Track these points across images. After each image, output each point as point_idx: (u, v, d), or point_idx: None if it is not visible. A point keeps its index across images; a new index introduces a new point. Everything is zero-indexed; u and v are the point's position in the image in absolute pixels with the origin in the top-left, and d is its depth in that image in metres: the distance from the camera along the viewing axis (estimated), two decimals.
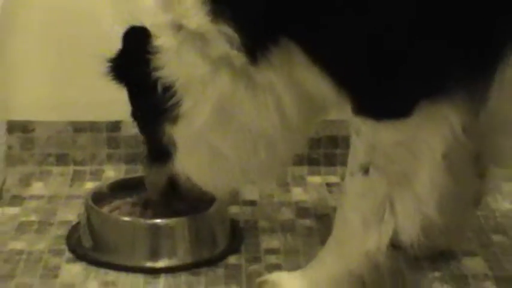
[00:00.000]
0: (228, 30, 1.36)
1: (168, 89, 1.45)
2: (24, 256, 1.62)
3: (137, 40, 1.47)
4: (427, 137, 1.36)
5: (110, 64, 1.52)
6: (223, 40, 1.37)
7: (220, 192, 1.57)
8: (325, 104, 1.46)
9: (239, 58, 1.39)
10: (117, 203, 1.69)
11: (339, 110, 1.43)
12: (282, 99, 1.42)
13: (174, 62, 1.44)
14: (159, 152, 1.54)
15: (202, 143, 1.47)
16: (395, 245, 1.42)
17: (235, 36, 1.37)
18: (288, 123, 1.44)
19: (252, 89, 1.42)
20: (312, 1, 1.33)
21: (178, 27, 1.42)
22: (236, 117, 1.43)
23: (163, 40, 1.44)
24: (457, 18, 1.29)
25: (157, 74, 1.46)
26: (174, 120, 1.47)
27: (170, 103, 1.45)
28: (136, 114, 1.58)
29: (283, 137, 1.46)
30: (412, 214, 1.38)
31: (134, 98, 1.55)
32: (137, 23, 1.48)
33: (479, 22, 1.30)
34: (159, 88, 1.46)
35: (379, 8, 1.30)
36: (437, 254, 1.58)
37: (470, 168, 1.51)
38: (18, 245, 1.65)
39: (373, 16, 1.31)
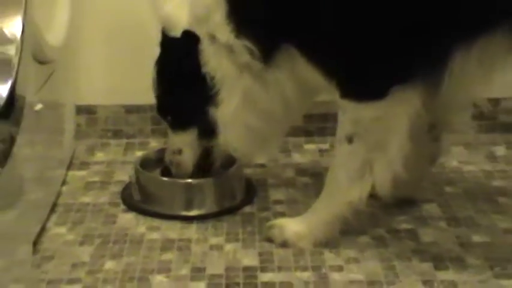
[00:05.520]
0: (249, 44, 1.41)
1: (212, 80, 1.46)
2: (90, 207, 1.67)
3: (191, 41, 1.47)
4: (397, 114, 1.40)
5: (158, 68, 1.53)
6: (245, 52, 1.42)
7: (250, 158, 1.60)
8: (318, 89, 1.50)
9: (257, 65, 1.44)
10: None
11: (329, 94, 1.47)
12: (286, 89, 1.47)
13: (212, 62, 1.47)
14: (204, 132, 1.54)
15: (238, 120, 1.49)
16: (372, 195, 1.46)
17: (254, 49, 1.41)
18: (290, 105, 1.48)
19: (265, 84, 1.47)
20: (305, 23, 1.38)
21: (212, 37, 1.46)
22: (257, 103, 1.48)
23: (204, 45, 1.47)
24: (414, 29, 1.34)
25: (204, 69, 1.47)
26: (217, 104, 1.48)
27: (213, 92, 1.47)
28: (178, 105, 1.54)
29: (287, 114, 1.50)
30: (386, 172, 1.42)
31: (183, 90, 1.51)
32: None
33: (432, 30, 1.34)
34: (208, 80, 1.46)
35: (355, 25, 1.36)
36: (403, 201, 1.61)
37: (427, 135, 1.54)
38: (85, 199, 1.71)
39: (352, 31, 1.36)
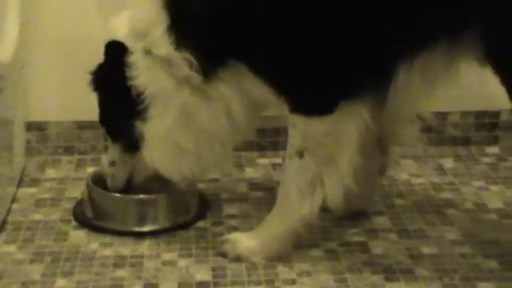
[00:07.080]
0: (189, 57, 1.38)
1: (140, 95, 1.44)
2: (41, 224, 1.64)
3: (116, 52, 1.45)
4: (346, 128, 1.40)
5: (92, 76, 1.52)
6: (185, 64, 1.40)
7: (178, 179, 1.54)
8: (267, 105, 1.49)
9: (196, 78, 1.40)
10: None
11: (278, 109, 1.46)
12: (230, 105, 1.45)
13: (144, 76, 1.44)
14: (129, 146, 1.52)
15: (168, 139, 1.47)
16: (323, 208, 1.45)
17: (194, 61, 1.38)
18: (235, 123, 1.46)
19: (206, 100, 1.44)
20: (252, 35, 1.36)
21: (148, 52, 1.43)
22: (195, 121, 1.45)
23: (135, 59, 1.45)
24: (358, 45, 1.35)
25: (131, 82, 1.44)
26: (145, 120, 1.46)
27: (142, 107, 1.44)
28: (108, 116, 1.53)
29: (232, 133, 1.47)
30: (336, 186, 1.42)
31: (110, 101, 1.50)
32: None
33: (375, 46, 1.35)
34: (133, 94, 1.44)
35: (301, 41, 1.35)
36: (354, 214, 1.62)
37: (375, 147, 1.54)
38: (36, 216, 1.68)
39: (298, 46, 1.36)
